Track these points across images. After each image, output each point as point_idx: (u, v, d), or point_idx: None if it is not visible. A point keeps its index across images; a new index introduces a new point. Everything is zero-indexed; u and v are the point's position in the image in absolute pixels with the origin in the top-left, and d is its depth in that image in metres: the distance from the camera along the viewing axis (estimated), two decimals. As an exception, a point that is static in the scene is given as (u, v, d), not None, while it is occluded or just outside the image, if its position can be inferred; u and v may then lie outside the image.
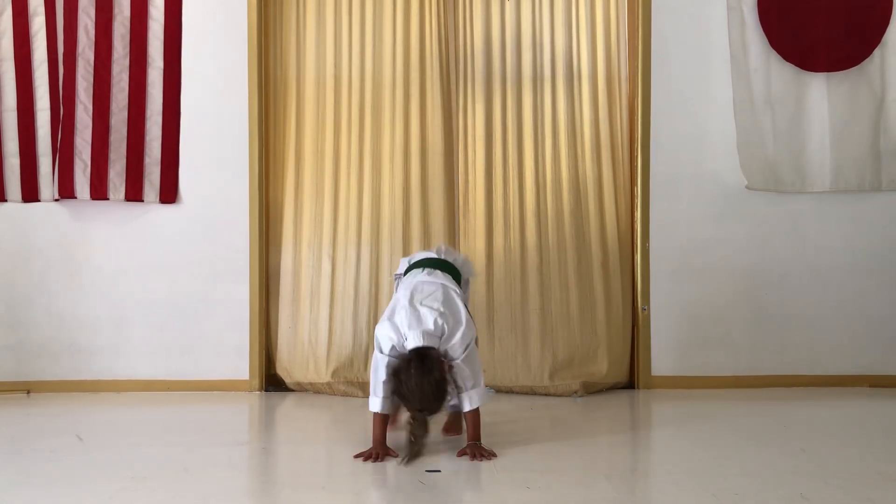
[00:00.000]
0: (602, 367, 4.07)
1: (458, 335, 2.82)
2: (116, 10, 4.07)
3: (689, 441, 3.11)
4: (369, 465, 2.72)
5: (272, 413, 3.76)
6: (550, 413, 3.62)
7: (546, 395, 3.99)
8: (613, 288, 4.16)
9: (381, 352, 2.83)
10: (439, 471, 2.64)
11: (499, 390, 4.05)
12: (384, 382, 2.79)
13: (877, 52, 4.14)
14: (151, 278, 4.09)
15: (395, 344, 2.79)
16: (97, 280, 4.09)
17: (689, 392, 4.05)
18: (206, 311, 4.10)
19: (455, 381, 2.76)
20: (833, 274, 4.17)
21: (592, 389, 4.03)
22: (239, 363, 4.09)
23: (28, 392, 4.05)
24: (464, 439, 2.96)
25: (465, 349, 2.84)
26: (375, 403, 2.82)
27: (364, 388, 3.94)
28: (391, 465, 2.72)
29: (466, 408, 2.85)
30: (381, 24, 4.19)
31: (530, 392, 4.02)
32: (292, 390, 4.13)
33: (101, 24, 4.06)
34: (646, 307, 4.15)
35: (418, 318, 2.79)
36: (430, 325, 2.77)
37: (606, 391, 4.09)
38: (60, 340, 4.08)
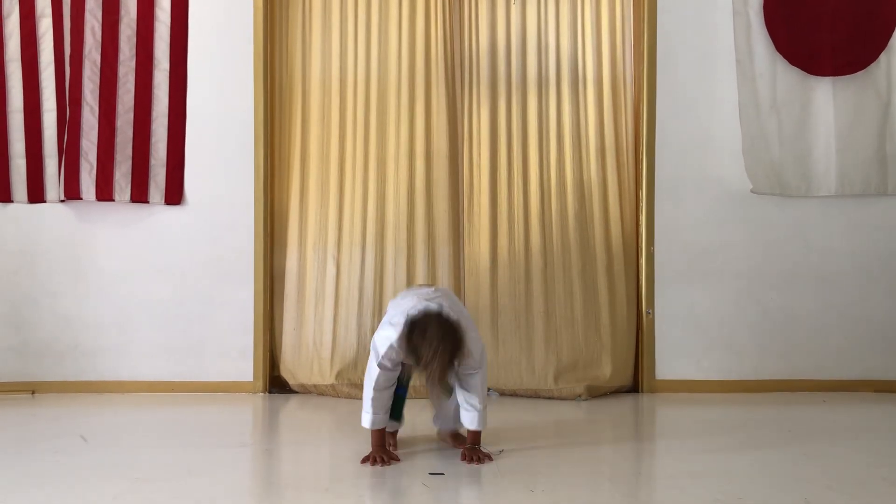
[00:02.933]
0: (606, 370, 4.07)
1: (473, 335, 2.73)
2: (123, 12, 4.09)
3: (693, 445, 3.10)
4: (374, 467, 2.72)
5: (276, 415, 3.76)
6: (554, 416, 3.62)
7: (550, 398, 3.98)
8: (618, 291, 4.16)
9: (378, 358, 2.69)
10: (443, 474, 2.64)
11: (503, 393, 4.05)
12: (374, 399, 2.72)
13: (883, 56, 4.13)
14: (156, 279, 4.10)
15: (393, 344, 2.65)
16: (102, 281, 4.10)
17: (693, 396, 4.04)
18: (210, 312, 4.10)
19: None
20: (838, 278, 4.16)
21: (596, 393, 4.02)
22: (243, 365, 4.10)
23: (33, 392, 4.06)
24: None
25: (482, 355, 2.76)
26: (367, 420, 2.75)
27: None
28: (393, 468, 2.72)
29: (472, 427, 2.80)
30: (386, 26, 4.20)
31: (534, 395, 4.01)
32: (296, 392, 4.13)
33: (108, 25, 4.07)
34: (650, 311, 4.15)
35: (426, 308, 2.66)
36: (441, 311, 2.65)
37: (610, 395, 4.08)
38: (65, 341, 4.09)
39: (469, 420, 2.81)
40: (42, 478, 2.60)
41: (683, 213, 4.15)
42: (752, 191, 4.12)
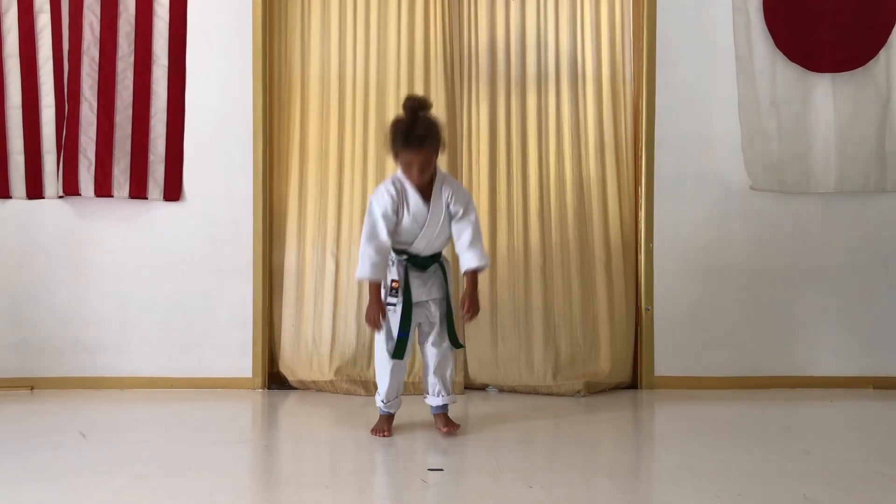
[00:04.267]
0: (605, 367, 4.07)
1: (459, 184, 3.12)
2: (121, 8, 4.08)
3: (692, 441, 3.11)
4: (372, 463, 2.72)
5: (275, 411, 3.76)
6: (553, 413, 3.62)
7: (549, 394, 3.99)
8: (616, 288, 4.16)
9: (372, 202, 2.99)
10: (442, 470, 2.65)
11: (502, 389, 4.05)
12: (364, 248, 2.97)
13: (882, 52, 4.13)
14: (155, 276, 4.10)
15: (393, 197, 2.95)
16: (101, 277, 4.10)
17: (691, 392, 4.04)
18: (209, 308, 4.10)
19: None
20: (837, 275, 4.17)
21: (595, 389, 4.02)
22: (242, 361, 4.10)
23: (31, 388, 4.06)
24: (461, 437, 2.97)
25: (470, 200, 3.07)
26: (359, 269, 3.00)
27: (367, 387, 3.96)
28: (393, 464, 2.72)
29: (474, 263, 3.02)
30: (385, 23, 4.19)
31: (533, 392, 4.01)
32: (295, 388, 4.13)
33: (106, 21, 4.06)
34: (649, 307, 4.15)
35: None
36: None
37: (609, 391, 4.08)
38: (64, 337, 4.09)
39: (470, 259, 3.02)
40: (41, 474, 2.60)
41: (683, 210, 4.15)
42: (751, 187, 4.12)
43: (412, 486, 2.50)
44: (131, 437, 3.14)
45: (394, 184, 3.00)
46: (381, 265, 2.98)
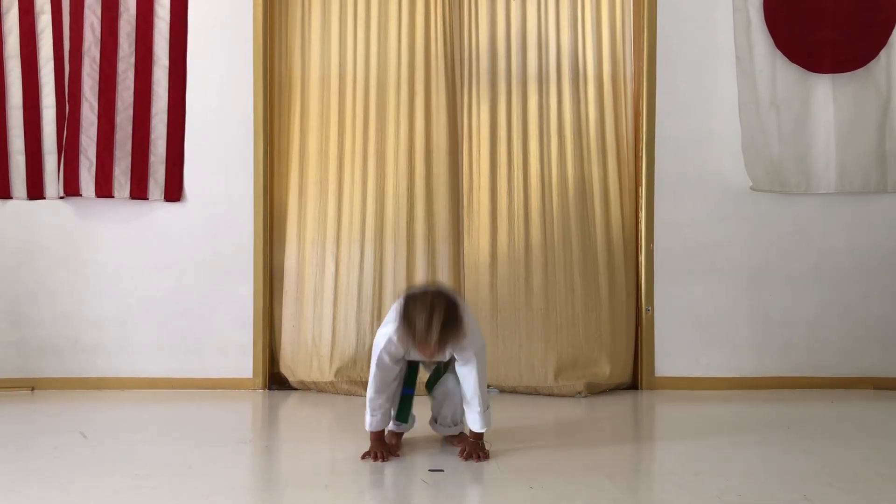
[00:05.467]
0: (605, 367, 4.07)
1: (473, 328, 2.72)
2: (122, 9, 4.08)
3: (693, 442, 3.10)
4: (373, 464, 2.72)
5: (275, 411, 3.76)
6: (554, 414, 3.62)
7: (550, 395, 3.99)
8: (617, 288, 4.16)
9: (377, 352, 2.71)
10: (442, 470, 2.65)
11: (502, 390, 4.05)
12: (373, 399, 2.76)
13: (883, 53, 4.13)
14: (156, 276, 4.10)
15: (392, 338, 2.67)
16: (102, 277, 4.10)
17: (692, 393, 4.05)
18: (210, 309, 4.10)
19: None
20: (837, 275, 4.17)
21: (596, 390, 4.02)
22: (242, 361, 4.10)
23: (32, 389, 4.06)
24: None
25: (481, 350, 2.75)
26: (367, 421, 2.78)
27: (367, 388, 3.95)
28: (393, 464, 2.73)
29: (474, 429, 2.80)
30: (386, 22, 4.19)
31: (534, 392, 4.01)
32: (296, 389, 4.14)
33: (107, 22, 4.06)
34: (650, 308, 4.15)
35: None
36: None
37: (610, 392, 4.08)
38: (65, 337, 4.09)
39: (471, 422, 2.81)
40: (41, 474, 2.60)
41: (683, 210, 4.15)
42: (751, 188, 4.12)
43: (412, 487, 2.50)
44: (132, 437, 3.14)
45: (395, 341, 2.69)
46: (387, 409, 2.80)
